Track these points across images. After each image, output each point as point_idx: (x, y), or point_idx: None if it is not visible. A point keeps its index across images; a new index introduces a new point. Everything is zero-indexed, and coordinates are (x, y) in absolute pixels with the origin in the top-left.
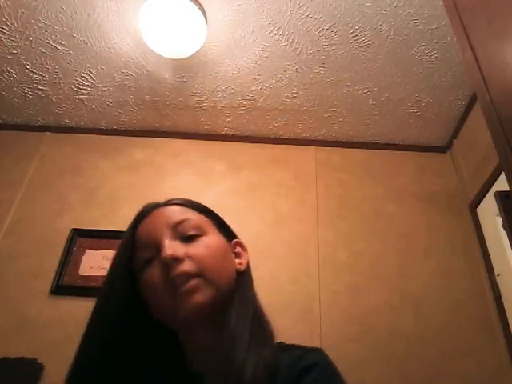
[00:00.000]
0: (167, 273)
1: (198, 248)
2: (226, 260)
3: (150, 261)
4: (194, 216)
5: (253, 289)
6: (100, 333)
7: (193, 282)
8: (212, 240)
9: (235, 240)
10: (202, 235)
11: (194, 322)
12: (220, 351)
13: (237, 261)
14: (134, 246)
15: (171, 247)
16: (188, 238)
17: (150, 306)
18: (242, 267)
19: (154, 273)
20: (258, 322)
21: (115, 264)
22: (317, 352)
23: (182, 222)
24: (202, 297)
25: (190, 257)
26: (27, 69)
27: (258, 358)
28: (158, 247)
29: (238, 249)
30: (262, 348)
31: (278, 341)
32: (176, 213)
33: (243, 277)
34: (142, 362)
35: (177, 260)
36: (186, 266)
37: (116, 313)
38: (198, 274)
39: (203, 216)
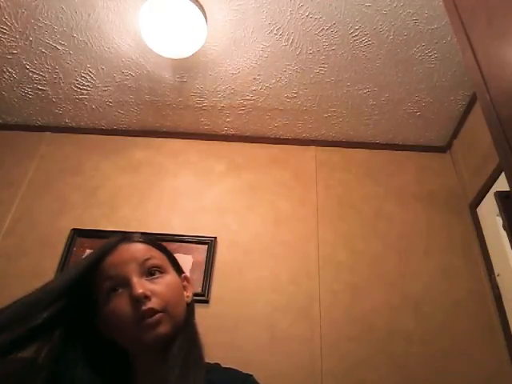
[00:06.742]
0: (137, 307)
1: (162, 287)
2: (181, 296)
3: (115, 290)
4: (156, 254)
5: (194, 317)
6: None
7: (158, 316)
8: (171, 279)
9: (184, 275)
10: (163, 273)
11: (152, 348)
12: (160, 376)
13: (185, 294)
14: (96, 276)
15: (141, 285)
16: (152, 274)
17: (111, 328)
18: (189, 300)
19: (121, 303)
20: (195, 347)
21: (63, 280)
22: (250, 379)
23: (147, 259)
24: (164, 328)
25: (155, 294)
26: (27, 69)
27: (192, 381)
28: (124, 280)
29: (185, 283)
30: (195, 370)
31: (216, 362)
32: (142, 251)
33: (189, 308)
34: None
35: (146, 298)
36: (153, 304)
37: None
38: (162, 310)
39: (162, 254)
